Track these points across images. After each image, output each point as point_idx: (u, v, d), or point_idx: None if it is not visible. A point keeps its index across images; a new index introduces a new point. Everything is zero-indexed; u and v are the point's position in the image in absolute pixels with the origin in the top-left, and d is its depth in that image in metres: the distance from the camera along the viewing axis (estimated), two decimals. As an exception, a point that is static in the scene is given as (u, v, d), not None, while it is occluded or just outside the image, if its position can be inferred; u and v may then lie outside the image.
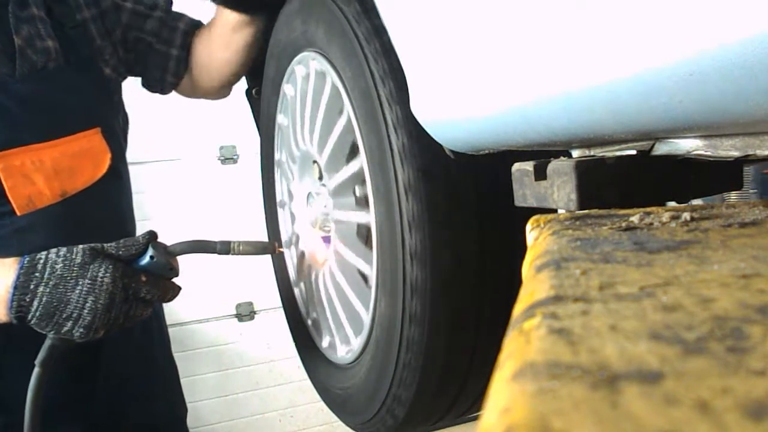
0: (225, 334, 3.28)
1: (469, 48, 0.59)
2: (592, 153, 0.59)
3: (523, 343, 0.25)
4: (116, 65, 1.30)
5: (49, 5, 1.18)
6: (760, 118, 0.36)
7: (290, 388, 3.32)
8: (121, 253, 0.98)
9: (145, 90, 1.44)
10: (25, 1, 1.14)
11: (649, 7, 0.36)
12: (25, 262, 0.95)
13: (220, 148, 3.25)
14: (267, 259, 1.47)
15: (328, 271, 1.09)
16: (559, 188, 0.55)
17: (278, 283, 1.42)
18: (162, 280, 1.01)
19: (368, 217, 0.89)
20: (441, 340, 0.82)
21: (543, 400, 0.19)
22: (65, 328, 0.95)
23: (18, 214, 1.08)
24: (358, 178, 0.95)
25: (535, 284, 0.32)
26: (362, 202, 0.98)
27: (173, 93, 1.45)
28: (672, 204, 0.55)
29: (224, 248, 1.05)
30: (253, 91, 1.44)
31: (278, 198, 1.35)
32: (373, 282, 0.91)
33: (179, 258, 1.05)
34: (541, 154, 0.65)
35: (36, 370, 0.99)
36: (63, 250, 0.96)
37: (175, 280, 1.05)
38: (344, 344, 1.09)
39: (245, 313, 3.30)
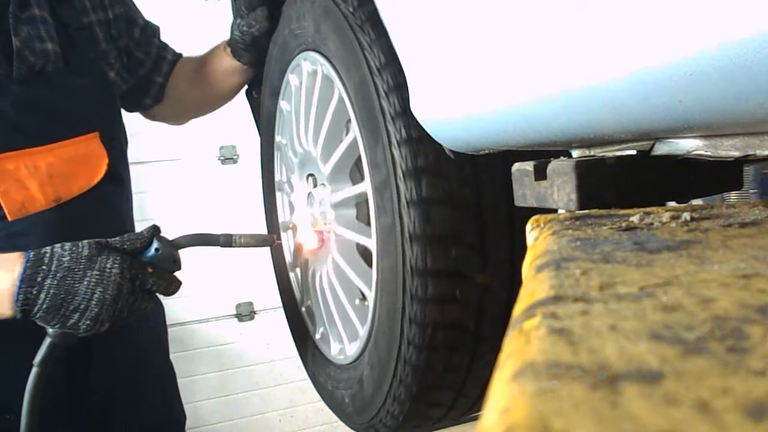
0: (225, 334, 3.28)
1: (469, 48, 0.59)
2: (592, 153, 0.59)
3: (523, 343, 0.25)
4: (120, 70, 1.30)
5: (53, 6, 1.17)
6: (760, 118, 0.36)
7: (290, 388, 3.32)
8: (126, 246, 0.98)
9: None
10: (27, 1, 1.12)
11: (648, 7, 0.36)
12: (31, 256, 0.94)
13: (220, 148, 3.26)
14: (267, 259, 1.47)
15: (328, 273, 1.09)
16: (559, 188, 0.55)
17: (282, 296, 1.42)
18: (166, 273, 1.02)
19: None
20: (441, 341, 0.82)
21: (543, 400, 0.19)
22: (71, 321, 0.94)
23: (9, 219, 1.07)
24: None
25: (535, 284, 0.32)
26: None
27: None
28: (672, 204, 0.55)
29: (227, 241, 1.07)
30: (253, 92, 1.44)
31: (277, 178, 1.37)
32: (373, 284, 0.91)
33: (180, 253, 1.05)
34: (541, 154, 0.65)
35: (34, 370, 0.98)
36: (68, 245, 0.96)
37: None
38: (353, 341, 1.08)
39: (245, 313, 3.30)
